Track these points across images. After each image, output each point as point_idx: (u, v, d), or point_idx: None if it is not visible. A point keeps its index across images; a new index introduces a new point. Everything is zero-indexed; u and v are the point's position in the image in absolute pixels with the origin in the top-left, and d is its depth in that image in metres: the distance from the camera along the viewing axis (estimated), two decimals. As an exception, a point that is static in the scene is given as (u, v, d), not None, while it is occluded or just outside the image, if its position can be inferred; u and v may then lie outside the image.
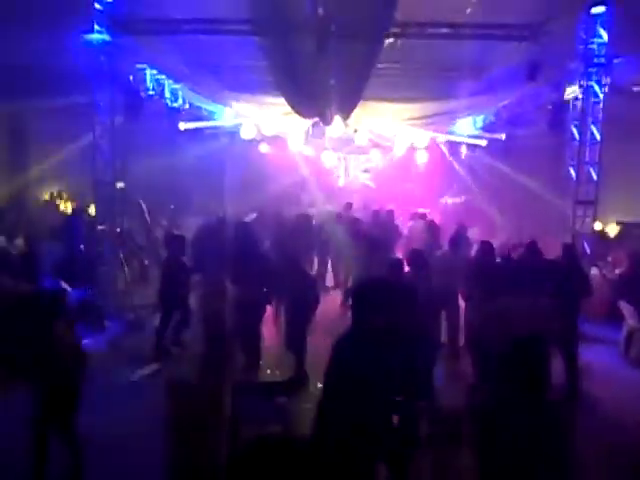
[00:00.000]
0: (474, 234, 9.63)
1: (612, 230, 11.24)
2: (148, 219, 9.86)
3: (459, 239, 7.50)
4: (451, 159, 14.65)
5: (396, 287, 4.28)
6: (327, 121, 10.13)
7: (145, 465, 4.12)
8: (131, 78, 9.02)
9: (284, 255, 6.59)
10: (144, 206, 9.65)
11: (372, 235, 8.37)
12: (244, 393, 4.01)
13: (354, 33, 4.94)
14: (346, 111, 9.16)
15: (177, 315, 6.85)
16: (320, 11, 4.80)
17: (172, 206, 13.44)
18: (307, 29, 4.90)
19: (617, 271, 9.11)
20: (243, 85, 11.86)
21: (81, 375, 3.89)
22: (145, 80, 9.44)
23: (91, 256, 8.02)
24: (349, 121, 11.32)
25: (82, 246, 8.44)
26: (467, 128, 12.83)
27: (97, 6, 7.96)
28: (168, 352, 6.71)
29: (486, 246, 6.60)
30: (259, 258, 6.28)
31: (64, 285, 6.52)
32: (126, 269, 8.63)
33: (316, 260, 10.23)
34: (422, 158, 14.31)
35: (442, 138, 13.64)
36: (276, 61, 6.19)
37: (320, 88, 6.65)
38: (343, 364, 2.75)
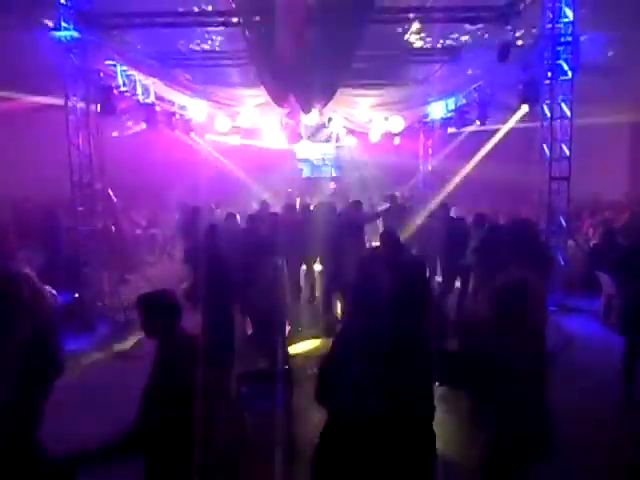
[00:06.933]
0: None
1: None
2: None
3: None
4: (426, 142, 14.88)
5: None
6: (306, 109, 10.10)
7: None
8: (102, 75, 8.82)
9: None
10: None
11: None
12: (248, 381, 4.07)
13: (335, 19, 4.97)
14: (324, 99, 9.16)
15: None
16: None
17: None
18: (287, 15, 4.90)
19: (591, 243, 9.47)
20: (215, 77, 11.75)
21: None
22: (116, 76, 9.24)
23: (74, 258, 7.88)
24: (324, 109, 11.31)
25: (62, 249, 8.28)
26: (440, 111, 12.98)
27: (62, 1, 7.77)
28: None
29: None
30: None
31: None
32: (111, 270, 8.51)
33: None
34: (398, 143, 14.41)
35: (416, 122, 13.80)
36: (256, 50, 6.16)
37: (301, 76, 6.65)
38: None
